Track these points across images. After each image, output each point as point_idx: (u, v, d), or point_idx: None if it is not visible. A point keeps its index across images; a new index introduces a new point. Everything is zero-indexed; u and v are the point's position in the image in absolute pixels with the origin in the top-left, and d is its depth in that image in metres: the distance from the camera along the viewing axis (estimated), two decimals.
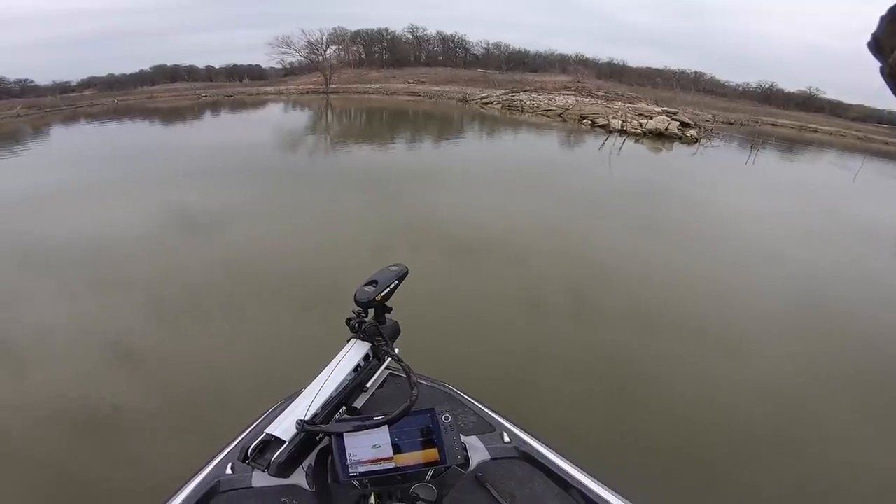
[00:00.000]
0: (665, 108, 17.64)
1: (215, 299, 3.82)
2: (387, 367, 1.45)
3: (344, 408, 1.26)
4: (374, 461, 1.09)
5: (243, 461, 1.08)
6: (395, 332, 1.45)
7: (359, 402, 1.36)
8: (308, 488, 1.16)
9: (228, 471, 1.20)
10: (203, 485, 1.17)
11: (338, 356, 1.33)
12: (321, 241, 5.05)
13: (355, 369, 1.32)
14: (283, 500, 1.15)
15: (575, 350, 3.35)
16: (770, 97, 44.74)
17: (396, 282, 1.34)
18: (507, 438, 1.34)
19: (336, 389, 1.24)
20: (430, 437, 1.13)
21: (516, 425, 1.39)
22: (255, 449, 1.08)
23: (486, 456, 1.29)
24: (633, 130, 15.89)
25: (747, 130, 16.83)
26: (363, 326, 1.31)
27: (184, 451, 2.23)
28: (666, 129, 15.44)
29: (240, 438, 1.31)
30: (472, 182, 7.48)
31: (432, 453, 1.13)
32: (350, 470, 1.08)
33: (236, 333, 3.47)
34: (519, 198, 6.63)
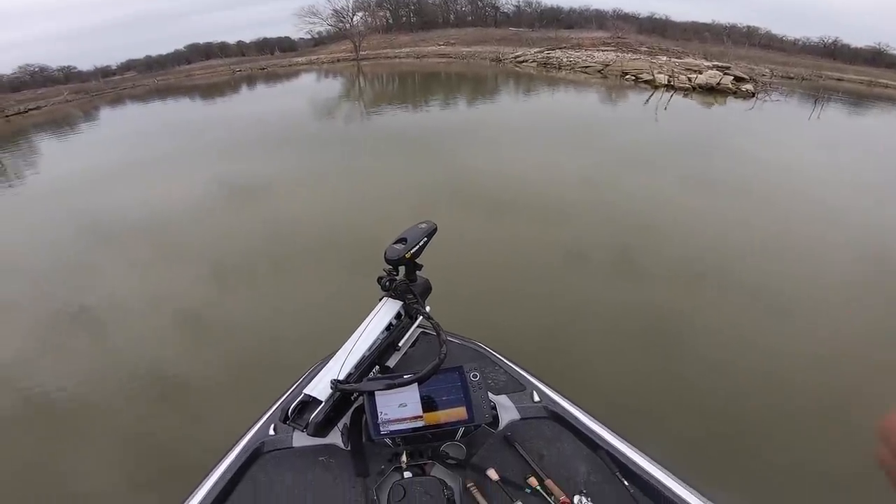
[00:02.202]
0: (716, 63, 16.13)
1: (265, 262, 4.00)
2: (418, 326, 1.47)
3: (377, 367, 1.30)
4: (404, 420, 1.13)
5: (284, 422, 1.15)
6: (427, 289, 1.45)
7: (391, 361, 1.39)
8: (344, 447, 1.22)
9: (271, 432, 1.27)
10: (249, 446, 1.24)
11: (370, 315, 1.35)
12: (361, 203, 5.13)
13: (387, 328, 1.34)
14: (321, 458, 1.22)
15: (615, 308, 3.22)
16: (833, 52, 39.29)
17: (426, 239, 1.33)
18: (536, 398, 1.34)
19: (369, 349, 1.28)
20: (458, 396, 1.15)
21: (546, 384, 1.40)
22: (294, 410, 1.15)
23: (515, 415, 1.31)
24: (681, 85, 14.67)
25: (809, 85, 15.16)
26: (394, 285, 1.31)
27: (237, 408, 2.41)
28: (718, 83, 14.15)
29: (281, 400, 1.40)
30: (509, 140, 7.26)
31: (460, 412, 1.15)
32: (381, 428, 1.13)
33: (284, 294, 3.63)
34: (558, 154, 6.37)
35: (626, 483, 1.12)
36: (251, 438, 1.27)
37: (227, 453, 1.24)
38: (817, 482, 2.01)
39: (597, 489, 1.13)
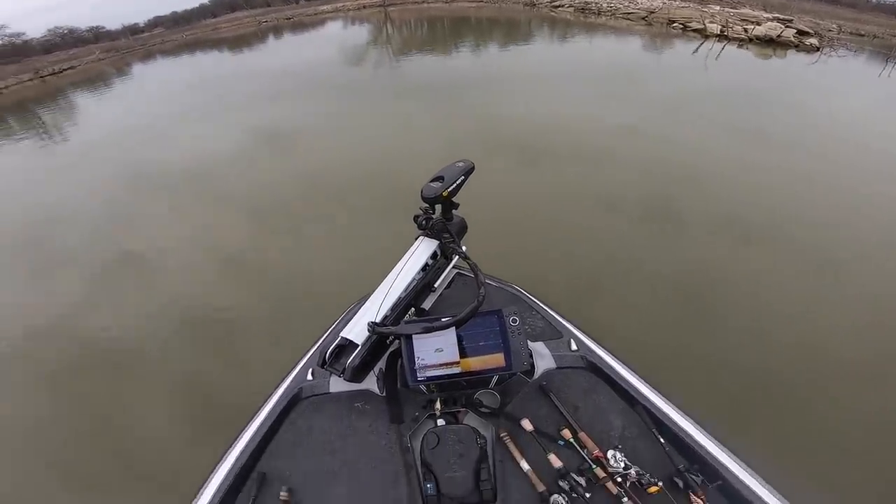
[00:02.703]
0: (776, 15, 14.44)
1: (302, 207, 4.05)
2: (454, 267, 1.45)
3: (413, 309, 1.29)
4: (440, 365, 1.13)
5: (321, 366, 1.16)
6: (462, 228, 1.41)
7: (427, 303, 1.38)
8: (379, 393, 1.23)
9: (309, 377, 1.29)
10: (288, 392, 1.27)
11: (406, 255, 1.33)
12: (393, 150, 5.07)
13: (423, 268, 1.32)
14: (356, 404, 1.24)
15: (653, 259, 3.09)
16: None
17: (463, 177, 1.29)
18: (574, 346, 1.32)
19: (405, 290, 1.27)
20: (496, 341, 1.13)
21: (584, 333, 1.36)
22: (331, 353, 1.16)
23: (551, 364, 1.29)
24: (736, 36, 13.29)
25: (881, 44, 13.42)
26: (430, 223, 1.28)
27: (278, 348, 2.54)
28: (779, 35, 12.69)
29: (319, 342, 1.42)
30: (543, 88, 6.86)
31: (497, 358, 1.14)
32: (418, 374, 1.13)
33: (322, 237, 3.68)
34: (596, 102, 5.99)
35: (661, 440, 1.10)
36: (290, 384, 1.29)
37: (268, 398, 1.28)
38: (837, 443, 1.96)
39: (631, 444, 1.12)
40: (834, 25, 16.12)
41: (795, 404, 2.17)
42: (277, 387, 1.30)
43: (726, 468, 1.03)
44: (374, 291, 1.26)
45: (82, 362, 2.81)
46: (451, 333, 1.11)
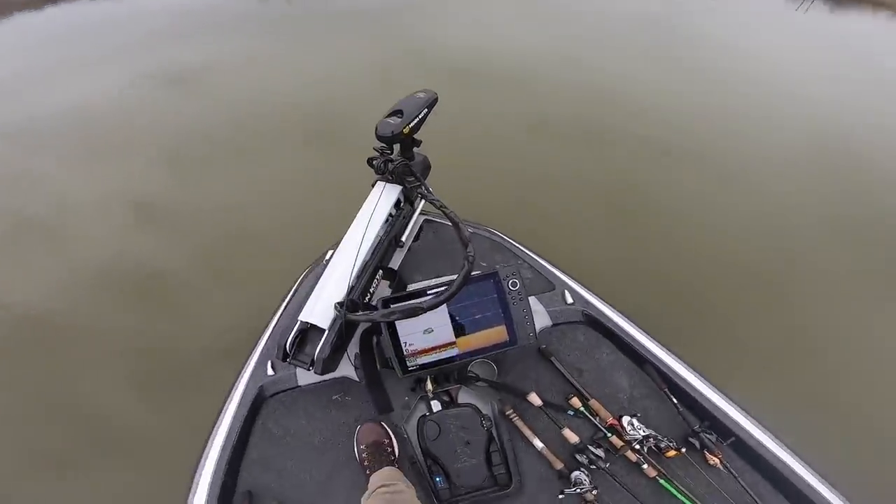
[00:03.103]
0: None
1: (226, 149, 3.58)
2: (420, 213, 1.27)
3: (380, 272, 1.09)
4: (434, 349, 0.95)
5: (283, 359, 0.94)
6: (426, 168, 1.21)
7: (395, 261, 1.19)
8: (357, 379, 1.03)
9: (269, 371, 1.07)
10: (248, 393, 1.05)
11: (364, 207, 1.11)
12: (320, 82, 4.57)
13: (386, 220, 1.12)
14: (334, 396, 1.04)
15: (583, 175, 3.27)
16: None
17: (426, 110, 1.09)
18: (569, 299, 1.18)
19: (370, 251, 1.05)
20: (495, 311, 0.97)
21: (578, 282, 1.22)
22: (293, 343, 0.94)
23: (546, 321, 1.15)
24: None
25: None
26: (391, 166, 1.07)
27: (225, 302, 2.33)
28: None
29: (272, 327, 1.17)
30: (476, 6, 6.72)
31: (499, 332, 0.97)
32: (408, 363, 0.95)
33: (253, 182, 3.33)
34: (524, 26, 6.02)
35: (674, 400, 1.01)
36: (248, 382, 1.07)
37: (226, 402, 1.05)
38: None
39: (642, 406, 1.04)
40: None
41: (707, 309, 2.29)
42: (234, 387, 1.08)
43: (738, 424, 0.98)
44: (327, 256, 1.05)
45: (7, 344, 2.41)
46: (442, 310, 0.94)
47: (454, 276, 0.83)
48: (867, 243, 2.77)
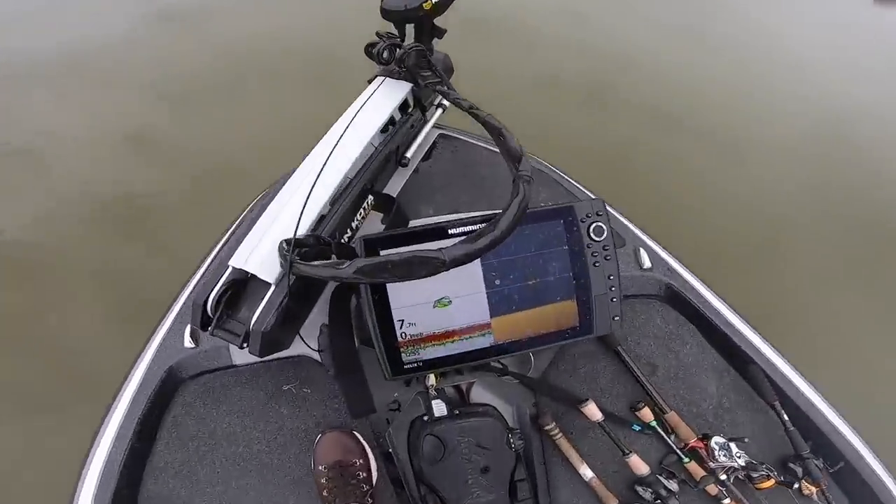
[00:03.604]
0: None
1: (218, 90, 3.43)
2: (435, 126, 0.90)
3: (370, 199, 0.72)
4: (451, 335, 0.57)
5: (203, 327, 0.58)
6: (448, 69, 0.85)
7: (393, 186, 0.83)
8: (322, 362, 0.67)
9: (188, 342, 0.74)
10: (155, 371, 0.72)
11: (354, 105, 0.74)
12: (326, 22, 4.37)
13: (385, 128, 0.75)
14: (286, 387, 0.71)
15: (581, 135, 3.21)
16: None
17: None
18: (646, 261, 0.83)
19: (354, 168, 0.67)
20: (565, 275, 0.59)
21: (656, 241, 0.87)
22: (216, 301, 0.57)
23: None
24: None
25: None
26: (400, 54, 0.72)
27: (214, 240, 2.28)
28: None
29: (196, 279, 0.80)
30: None
31: (564, 311, 0.59)
32: (404, 356, 0.56)
33: (243, 112, 3.19)
34: None
35: (784, 417, 0.71)
36: (157, 356, 0.74)
37: (124, 383, 0.72)
38: None
39: (731, 420, 0.74)
40: None
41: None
42: (136, 362, 0.74)
43: (850, 446, 0.73)
44: (293, 172, 0.67)
45: None
46: (471, 269, 0.57)
47: (482, 213, 0.52)
48: None
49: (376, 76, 0.77)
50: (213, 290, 0.56)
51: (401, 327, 0.55)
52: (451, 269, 0.42)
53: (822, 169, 3.32)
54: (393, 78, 0.76)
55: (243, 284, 0.59)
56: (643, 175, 2.68)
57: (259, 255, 0.55)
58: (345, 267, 0.42)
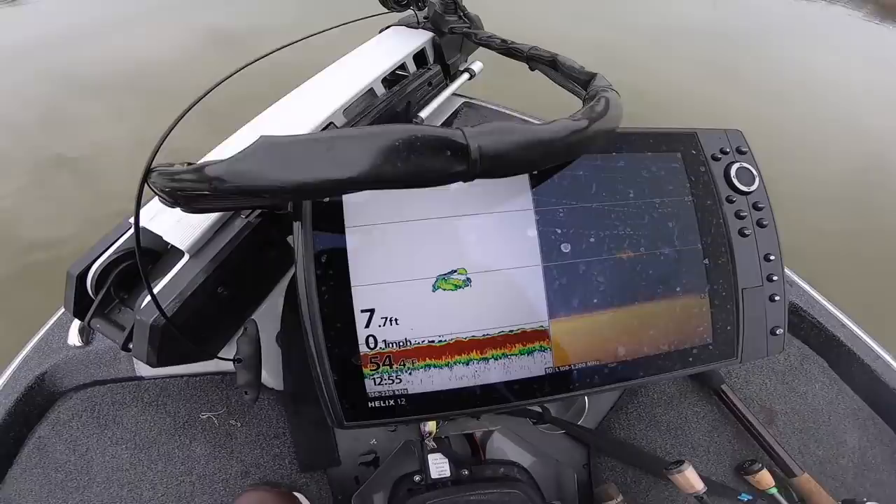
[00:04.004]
0: None
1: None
2: (456, 93, 0.68)
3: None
4: (465, 348, 0.29)
5: (78, 315, 0.37)
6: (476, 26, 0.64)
7: None
8: (240, 381, 0.41)
9: (74, 339, 0.55)
10: (23, 374, 0.54)
11: (355, 52, 0.56)
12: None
13: (392, 79, 0.55)
14: (205, 415, 0.51)
15: None
16: None
17: None
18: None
19: (339, 110, 0.45)
20: (690, 247, 0.33)
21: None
22: (99, 274, 0.35)
23: None
24: None
25: None
26: None
27: None
28: None
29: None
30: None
31: (690, 311, 0.33)
32: (370, 383, 0.29)
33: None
34: (578, 22, 5.35)
35: None
36: (30, 354, 0.55)
37: None
38: None
39: (879, 481, 0.53)
40: None
41: None
42: (13, 358, 0.56)
43: None
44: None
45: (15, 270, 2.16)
46: (523, 217, 0.30)
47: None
48: None
49: (390, 26, 0.60)
50: (100, 256, 0.34)
51: (367, 324, 0.28)
52: (478, 182, 0.23)
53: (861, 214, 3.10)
54: (412, 27, 0.59)
55: (155, 258, 0.37)
56: None
57: (176, 212, 0.31)
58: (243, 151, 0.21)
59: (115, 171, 2.94)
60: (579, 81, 0.34)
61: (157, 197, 0.23)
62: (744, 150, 0.35)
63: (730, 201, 0.33)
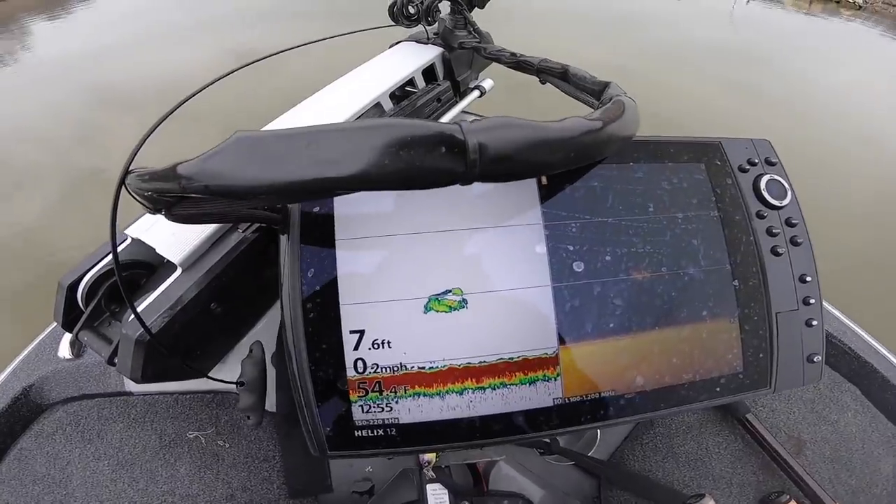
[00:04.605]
0: None
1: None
2: (465, 112, 0.69)
3: None
4: (462, 376, 0.27)
5: (66, 326, 0.36)
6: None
7: None
8: (242, 405, 0.39)
9: (65, 351, 0.47)
10: (10, 384, 0.54)
11: (362, 66, 0.57)
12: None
13: (398, 94, 0.56)
14: (193, 434, 0.50)
15: None
16: None
17: None
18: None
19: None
20: (716, 267, 0.29)
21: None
22: (90, 286, 0.34)
23: None
24: None
25: None
26: (428, 8, 0.57)
27: None
28: None
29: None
30: (533, 21, 6.41)
31: (719, 337, 0.29)
32: (357, 411, 0.26)
33: None
34: (594, 43, 5.55)
35: None
36: (21, 364, 0.56)
37: None
38: None
39: None
40: None
41: None
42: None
43: None
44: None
45: (46, 282, 2.20)
46: (529, 231, 0.28)
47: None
48: None
49: (399, 42, 0.61)
50: (92, 267, 0.33)
51: (356, 346, 0.26)
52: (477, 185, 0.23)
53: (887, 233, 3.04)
54: (421, 42, 0.60)
55: (150, 270, 0.36)
56: None
57: (171, 225, 0.31)
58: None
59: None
60: (592, 92, 0.32)
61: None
62: (773, 161, 0.32)
63: (760, 216, 0.30)
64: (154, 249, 0.30)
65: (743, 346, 0.28)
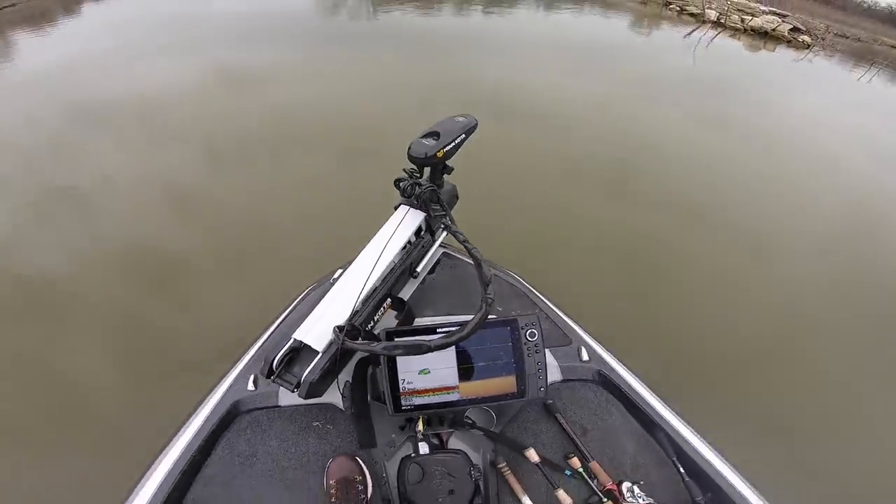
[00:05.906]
0: (773, 9, 14.47)
1: (262, 152, 3.77)
2: (440, 245, 1.19)
3: (389, 301, 1.02)
4: (433, 391, 0.90)
5: (267, 377, 0.87)
6: (453, 198, 1.15)
7: (406, 292, 1.13)
8: (343, 408, 0.98)
9: (250, 386, 1.02)
10: (222, 404, 0.98)
11: (383, 229, 1.05)
12: (367, 98, 4.81)
13: (404, 247, 1.05)
14: (315, 423, 0.98)
15: (606, 227, 3.28)
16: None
17: (463, 135, 1.04)
18: (585, 356, 1.12)
19: (381, 277, 0.99)
20: (507, 360, 0.92)
21: (596, 340, 1.17)
22: (281, 360, 0.87)
23: (557, 376, 1.10)
24: (732, 25, 13.02)
25: (864, 48, 14.16)
26: (419, 190, 1.01)
27: (234, 302, 2.37)
28: (774, 29, 12.49)
29: (261, 342, 1.11)
30: (521, 54, 6.80)
31: (507, 383, 0.92)
32: (403, 402, 0.89)
33: (283, 184, 3.39)
34: (570, 74, 6.03)
35: (682, 470, 0.96)
36: (225, 394, 1.00)
37: (194, 411, 0.99)
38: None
39: (645, 474, 0.97)
40: (822, 26, 16.43)
41: (719, 380, 2.26)
42: (207, 397, 1.01)
43: (744, 499, 0.93)
44: (336, 275, 1.01)
45: (13, 304, 2.39)
46: (449, 351, 0.89)
47: (468, 317, 0.78)
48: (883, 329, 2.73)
49: (400, 204, 1.09)
50: (279, 352, 0.87)
51: (402, 383, 0.88)
52: (435, 352, 0.76)
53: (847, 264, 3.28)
54: (412, 207, 1.08)
55: (298, 351, 0.90)
56: (665, 277, 2.85)
57: (315, 334, 0.88)
58: (375, 346, 0.77)
59: (112, 205, 2.97)
60: (483, 284, 0.81)
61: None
62: (534, 324, 0.92)
63: (525, 344, 0.91)
64: (302, 343, 0.86)
65: (516, 384, 0.89)
